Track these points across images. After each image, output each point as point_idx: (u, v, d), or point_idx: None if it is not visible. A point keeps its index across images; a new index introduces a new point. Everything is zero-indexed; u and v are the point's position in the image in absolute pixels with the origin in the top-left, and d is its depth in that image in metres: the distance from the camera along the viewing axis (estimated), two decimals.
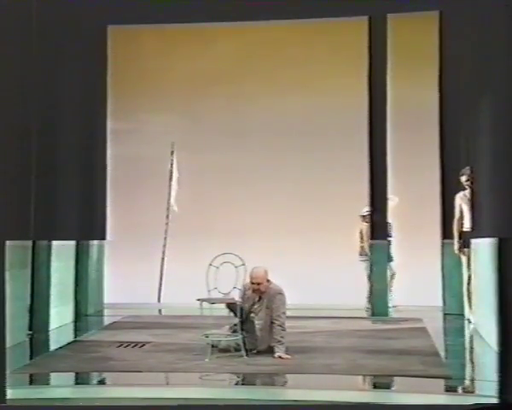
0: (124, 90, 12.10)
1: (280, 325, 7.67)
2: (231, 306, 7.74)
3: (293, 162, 11.79)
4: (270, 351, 7.67)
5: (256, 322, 7.77)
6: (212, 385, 7.03)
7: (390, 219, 11.23)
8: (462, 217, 10.10)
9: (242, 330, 7.72)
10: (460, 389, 6.75)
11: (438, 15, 11.41)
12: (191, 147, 12.02)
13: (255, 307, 7.81)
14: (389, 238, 11.31)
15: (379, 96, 11.61)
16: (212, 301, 7.70)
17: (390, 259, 11.44)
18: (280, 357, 7.51)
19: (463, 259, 10.20)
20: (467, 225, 10.00)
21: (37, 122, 9.01)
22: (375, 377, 6.98)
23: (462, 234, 10.15)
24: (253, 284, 7.75)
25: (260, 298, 7.80)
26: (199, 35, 12.08)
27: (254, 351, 7.73)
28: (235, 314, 7.71)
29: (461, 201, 10.14)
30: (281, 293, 7.78)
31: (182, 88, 12.11)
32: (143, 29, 12.07)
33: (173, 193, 12.08)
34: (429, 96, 11.41)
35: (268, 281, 7.79)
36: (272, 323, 7.70)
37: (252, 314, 7.81)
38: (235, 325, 7.77)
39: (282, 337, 7.65)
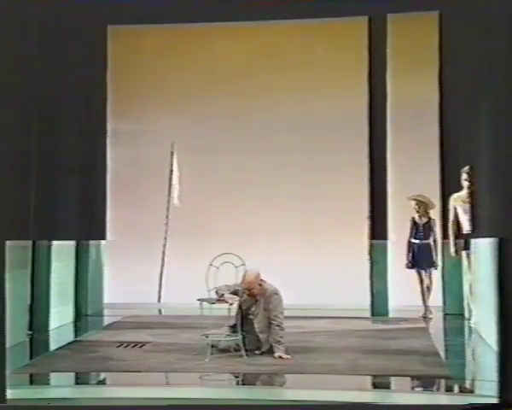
0: (124, 90, 12.09)
1: (278, 325, 7.65)
2: (235, 291, 7.72)
3: (294, 162, 11.77)
4: (270, 351, 7.66)
5: (256, 325, 7.75)
6: (212, 385, 7.03)
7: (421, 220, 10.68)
8: (457, 220, 10.05)
9: (243, 330, 7.72)
10: (460, 389, 6.74)
11: (438, 15, 11.43)
12: (191, 147, 12.00)
13: (252, 309, 7.79)
14: (427, 241, 10.65)
15: (379, 96, 11.64)
16: (212, 301, 7.71)
17: (431, 264, 10.66)
18: (280, 357, 7.50)
19: (464, 262, 10.16)
20: (464, 228, 9.95)
21: (37, 122, 9.02)
22: (375, 377, 6.97)
23: (458, 237, 10.10)
24: (245, 288, 7.74)
25: (257, 300, 7.78)
26: (199, 35, 12.07)
27: (258, 352, 7.70)
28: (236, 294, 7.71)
29: (454, 203, 10.08)
30: (276, 293, 7.77)
31: (181, 88, 12.09)
32: (143, 29, 12.07)
33: (175, 193, 12.07)
34: (429, 95, 11.42)
35: (261, 284, 7.76)
36: (270, 324, 7.69)
37: (250, 316, 7.79)
38: (233, 326, 7.78)
39: (281, 337, 7.64)
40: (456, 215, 10.06)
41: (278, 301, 7.73)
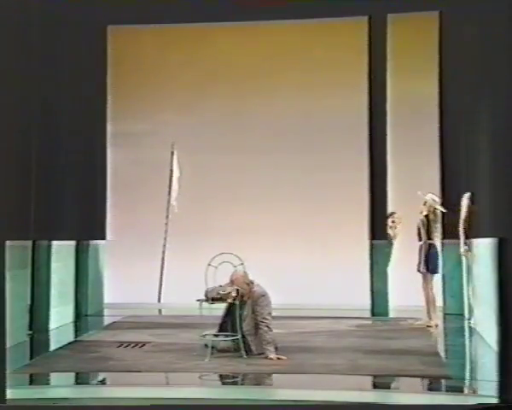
0: (124, 90, 12.09)
1: (266, 326, 7.60)
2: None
3: (294, 162, 11.78)
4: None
5: (244, 328, 7.71)
6: (212, 385, 7.03)
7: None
8: (468, 218, 9.96)
9: (242, 332, 7.70)
10: (460, 389, 6.74)
11: (438, 15, 11.43)
12: (191, 147, 12.01)
13: (241, 311, 7.75)
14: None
15: (379, 96, 11.64)
16: (211, 301, 7.70)
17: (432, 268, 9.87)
18: (278, 358, 7.47)
19: (465, 261, 10.11)
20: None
21: (37, 122, 9.02)
22: (375, 377, 6.98)
23: (468, 235, 10.01)
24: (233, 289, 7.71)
25: (245, 302, 7.75)
26: (199, 35, 12.07)
27: (256, 353, 7.68)
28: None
29: (468, 201, 10.01)
30: (264, 295, 7.73)
31: (181, 88, 12.09)
32: (143, 29, 12.07)
33: (174, 193, 12.08)
34: (429, 95, 11.42)
35: (248, 283, 7.73)
36: (257, 325, 7.64)
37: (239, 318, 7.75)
38: (220, 330, 7.79)
39: (269, 337, 7.56)
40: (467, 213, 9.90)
41: (265, 303, 7.70)
